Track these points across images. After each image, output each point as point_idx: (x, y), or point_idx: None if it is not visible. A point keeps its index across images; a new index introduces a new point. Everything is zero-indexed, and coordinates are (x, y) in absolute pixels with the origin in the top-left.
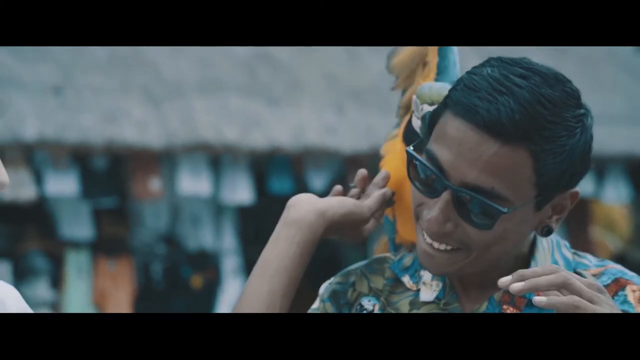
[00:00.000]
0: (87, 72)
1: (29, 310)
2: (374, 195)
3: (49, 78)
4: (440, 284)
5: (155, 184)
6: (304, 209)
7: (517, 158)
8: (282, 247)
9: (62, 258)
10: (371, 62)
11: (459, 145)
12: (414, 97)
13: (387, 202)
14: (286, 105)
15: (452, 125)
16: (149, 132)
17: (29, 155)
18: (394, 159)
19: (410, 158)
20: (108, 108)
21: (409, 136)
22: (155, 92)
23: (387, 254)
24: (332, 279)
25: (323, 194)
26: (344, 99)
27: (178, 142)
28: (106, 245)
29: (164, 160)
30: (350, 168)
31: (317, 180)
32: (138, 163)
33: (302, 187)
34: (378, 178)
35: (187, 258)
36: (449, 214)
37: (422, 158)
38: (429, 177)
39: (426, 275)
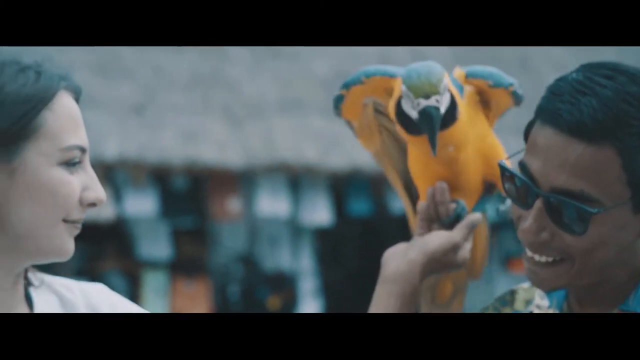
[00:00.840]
0: (167, 91)
1: (122, 303)
2: (459, 225)
3: (129, 97)
4: (557, 311)
5: (234, 205)
6: (395, 263)
7: (603, 158)
8: (382, 304)
9: (139, 278)
10: None
11: (546, 151)
12: (403, 87)
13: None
14: None
15: (541, 134)
16: (228, 152)
17: (109, 175)
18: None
19: (502, 171)
20: (188, 128)
21: (403, 120)
22: (235, 112)
23: (521, 285)
24: None
25: (403, 216)
26: None
27: (258, 162)
28: (184, 266)
29: (243, 181)
30: None
31: (397, 202)
32: (217, 183)
33: (381, 209)
34: (438, 195)
35: (265, 279)
36: (543, 223)
37: (514, 170)
38: (522, 189)
39: (543, 302)
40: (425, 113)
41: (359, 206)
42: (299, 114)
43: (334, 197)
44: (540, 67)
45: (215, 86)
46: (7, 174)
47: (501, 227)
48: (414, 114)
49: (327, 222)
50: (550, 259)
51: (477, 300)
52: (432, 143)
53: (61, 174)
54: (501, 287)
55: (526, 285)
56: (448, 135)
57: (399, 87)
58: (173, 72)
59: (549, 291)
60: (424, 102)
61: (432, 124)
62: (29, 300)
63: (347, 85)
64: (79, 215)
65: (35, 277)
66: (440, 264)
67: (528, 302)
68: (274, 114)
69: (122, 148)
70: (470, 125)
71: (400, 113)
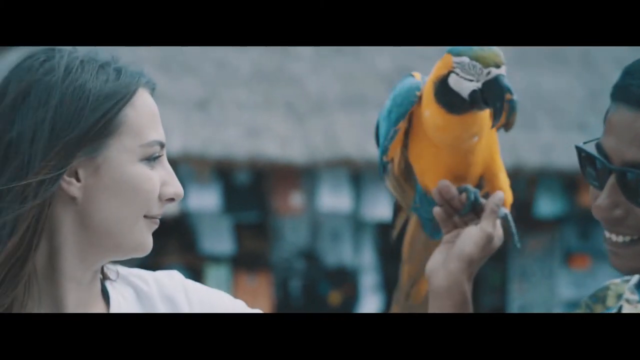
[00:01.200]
0: (231, 87)
1: (196, 287)
2: (485, 214)
3: (194, 93)
4: None
5: (296, 199)
6: (439, 277)
7: None
8: None
9: (202, 272)
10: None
11: (619, 128)
12: (465, 59)
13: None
14: None
15: (615, 113)
16: (291, 147)
17: (173, 170)
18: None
19: (579, 152)
20: (251, 123)
21: (446, 98)
22: (298, 108)
23: (612, 281)
24: None
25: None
26: None
27: (320, 157)
28: (246, 260)
29: (305, 176)
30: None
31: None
32: (280, 178)
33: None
34: (444, 194)
35: (326, 274)
36: (617, 199)
37: (590, 150)
38: (601, 170)
39: (633, 296)
40: (498, 81)
41: None
42: (361, 109)
43: None
44: (603, 66)
45: (278, 82)
46: (91, 171)
47: (562, 222)
48: (472, 86)
49: (388, 217)
50: (627, 239)
51: (538, 296)
52: (499, 113)
53: (143, 169)
54: (561, 282)
55: (617, 280)
56: (479, 120)
57: (442, 66)
58: (236, 68)
59: (630, 274)
60: (496, 71)
61: (503, 93)
62: (105, 295)
63: (404, 115)
64: (158, 210)
65: (111, 270)
66: (480, 260)
67: (619, 296)
68: (336, 109)
69: (186, 143)
70: (487, 116)
71: (444, 91)
